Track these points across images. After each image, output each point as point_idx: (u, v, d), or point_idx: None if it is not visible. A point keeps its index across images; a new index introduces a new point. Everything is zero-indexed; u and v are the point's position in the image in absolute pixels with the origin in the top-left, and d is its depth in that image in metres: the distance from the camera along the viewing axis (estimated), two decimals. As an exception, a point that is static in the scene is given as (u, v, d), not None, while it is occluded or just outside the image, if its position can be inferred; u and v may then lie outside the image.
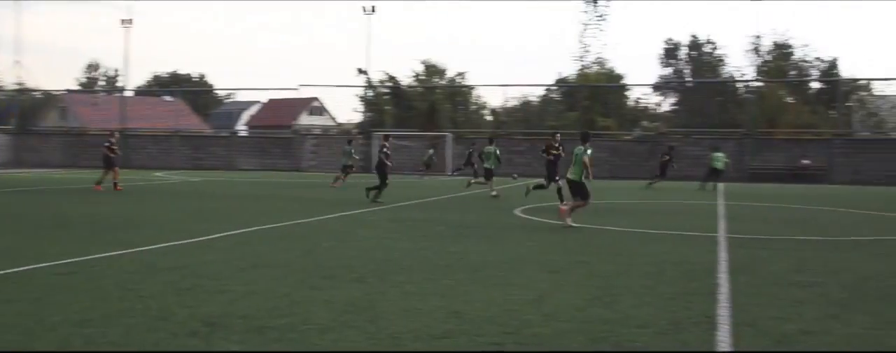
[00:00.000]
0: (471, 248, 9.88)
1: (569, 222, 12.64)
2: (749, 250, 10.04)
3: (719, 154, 27.81)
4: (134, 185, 24.37)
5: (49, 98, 65.52)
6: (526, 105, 54.78)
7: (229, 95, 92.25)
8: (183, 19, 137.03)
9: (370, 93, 48.98)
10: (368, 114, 48.50)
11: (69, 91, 70.52)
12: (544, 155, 18.40)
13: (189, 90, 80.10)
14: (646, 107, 58.69)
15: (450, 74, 51.95)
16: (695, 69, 71.04)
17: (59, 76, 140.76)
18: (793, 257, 9.42)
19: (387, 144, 19.34)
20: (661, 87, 56.54)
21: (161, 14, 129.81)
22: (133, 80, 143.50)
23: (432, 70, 50.54)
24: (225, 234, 11.01)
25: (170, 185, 21.17)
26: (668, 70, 74.64)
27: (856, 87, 50.18)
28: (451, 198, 20.32)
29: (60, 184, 25.03)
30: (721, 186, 27.25)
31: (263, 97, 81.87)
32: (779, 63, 59.64)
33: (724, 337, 5.30)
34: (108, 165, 21.55)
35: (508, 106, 49.73)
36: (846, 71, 64.18)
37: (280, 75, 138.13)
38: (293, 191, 23.26)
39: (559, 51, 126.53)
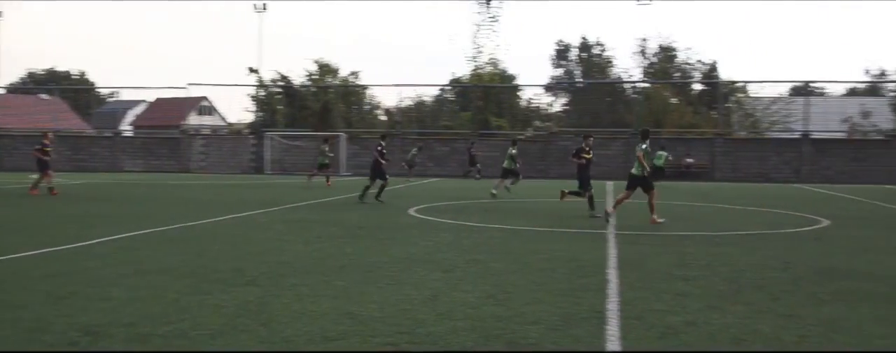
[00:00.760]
0: (365, 248, 9.82)
1: (656, 219, 13.40)
2: (636, 246, 10.38)
3: (662, 152, 29.52)
4: (6, 189, 23.08)
5: None
6: (420, 105, 55.01)
7: (113, 93, 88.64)
8: (61, 13, 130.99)
9: (262, 92, 48.06)
10: (260, 114, 47.57)
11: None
12: (575, 159, 16.16)
13: (68, 88, 76.47)
14: (538, 107, 59.89)
15: (343, 73, 51.61)
16: (585, 70, 73.07)
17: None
18: (677, 252, 9.80)
19: (383, 143, 19.54)
20: (552, 87, 57.80)
21: (36, 7, 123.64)
22: (4, 76, 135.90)
23: (325, 69, 50.01)
24: (107, 239, 10.55)
25: (46, 188, 20.15)
26: (560, 71, 76.54)
27: (734, 89, 52.69)
28: (345, 199, 20.14)
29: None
30: (609, 184, 28.07)
31: (149, 96, 79.25)
32: (664, 65, 62.09)
33: (613, 331, 5.45)
34: (43, 168, 20.72)
35: (403, 106, 49.80)
36: (726, 73, 67.38)
37: (167, 74, 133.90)
38: (182, 193, 22.56)
39: (453, 51, 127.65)
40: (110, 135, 46.55)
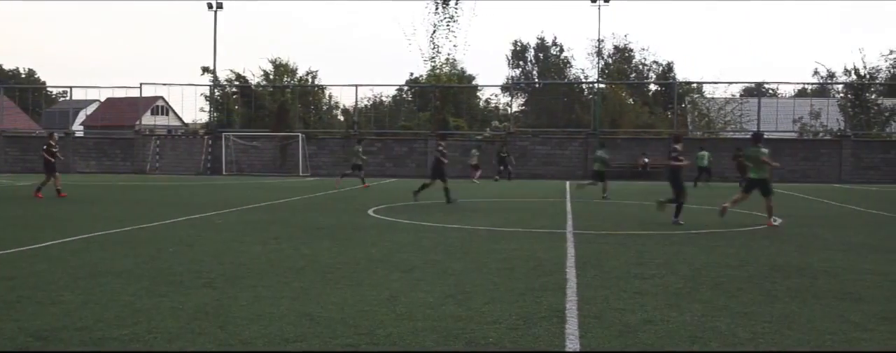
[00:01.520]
0: (323, 249, 9.75)
1: (773, 222, 13.57)
2: (595, 245, 10.46)
3: (704, 153, 30.49)
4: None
5: None
6: (378, 105, 54.83)
7: (63, 92, 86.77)
8: (8, 10, 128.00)
9: (217, 92, 47.46)
10: (216, 114, 46.98)
11: None
12: (675, 163, 14.41)
13: (15, 87, 74.55)
14: (496, 107, 60.14)
15: (301, 73, 51.14)
16: (542, 70, 73.60)
17: None
18: (635, 251, 9.90)
19: (443, 144, 19.71)
20: (509, 87, 58.05)
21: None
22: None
23: (282, 69, 49.50)
24: (59, 241, 10.32)
25: (55, 189, 19.63)
26: (517, 71, 76.99)
27: (688, 89, 53.49)
28: (303, 199, 19.99)
29: None
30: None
31: (101, 96, 77.68)
32: (620, 66, 62.79)
33: (572, 330, 5.48)
34: (50, 170, 20.16)
35: (361, 106, 49.58)
36: (681, 74, 68.36)
37: (120, 73, 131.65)
38: (136, 194, 22.18)
39: (411, 51, 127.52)
40: (61, 135, 45.55)
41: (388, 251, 9.67)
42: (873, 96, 45.38)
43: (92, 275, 7.58)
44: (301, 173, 39.52)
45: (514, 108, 60.86)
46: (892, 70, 54.20)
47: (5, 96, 61.88)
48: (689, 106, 50.20)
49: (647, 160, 38.36)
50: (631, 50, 63.96)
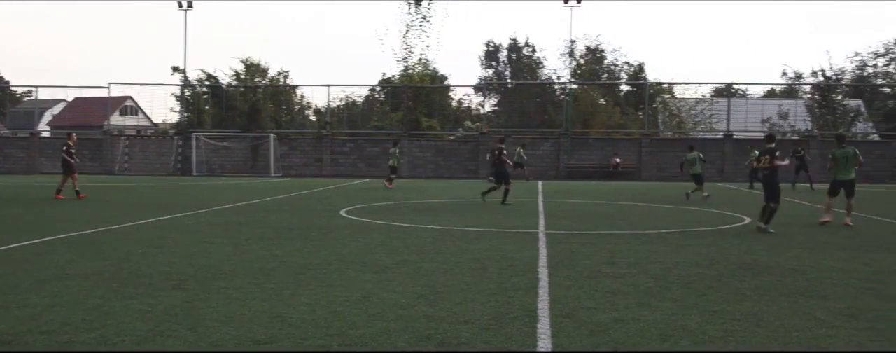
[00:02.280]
0: (295, 250, 9.70)
1: (848, 221, 13.72)
2: (567, 245, 10.50)
3: (695, 154, 29.73)
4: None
5: None
6: (351, 105, 54.60)
7: (28, 92, 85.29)
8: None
9: (188, 92, 46.99)
10: (186, 114, 46.51)
11: None
12: (780, 163, 12.90)
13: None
14: (469, 107, 60.21)
15: (272, 72, 50.76)
16: (514, 71, 73.78)
17: None
18: (606, 250, 9.95)
19: (502, 146, 19.85)
20: (482, 88, 58.17)
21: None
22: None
23: (253, 69, 49.10)
24: (24, 243, 10.16)
25: (74, 191, 19.25)
26: (490, 71, 77.12)
27: (659, 90, 53.87)
28: (275, 200, 19.87)
29: None
30: (539, 183, 28.37)
31: (69, 95, 76.52)
32: (592, 66, 63.10)
33: (544, 329, 5.49)
34: (68, 170, 19.91)
35: (333, 106, 49.36)
36: (652, 75, 68.88)
37: (88, 72, 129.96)
38: (104, 195, 21.89)
39: (384, 51, 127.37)
40: (26, 135, 44.85)
41: (360, 252, 9.63)
42: (839, 97, 46.11)
43: (58, 278, 7.47)
44: (272, 174, 39.28)
45: (487, 108, 61.00)
46: (857, 72, 55.07)
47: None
48: (660, 106, 50.59)
49: (618, 160, 38.61)
50: (603, 51, 64.30)
